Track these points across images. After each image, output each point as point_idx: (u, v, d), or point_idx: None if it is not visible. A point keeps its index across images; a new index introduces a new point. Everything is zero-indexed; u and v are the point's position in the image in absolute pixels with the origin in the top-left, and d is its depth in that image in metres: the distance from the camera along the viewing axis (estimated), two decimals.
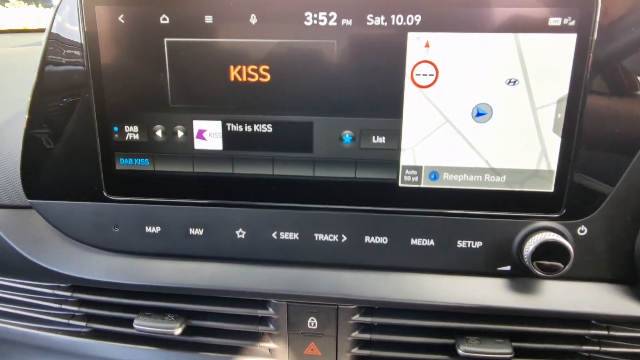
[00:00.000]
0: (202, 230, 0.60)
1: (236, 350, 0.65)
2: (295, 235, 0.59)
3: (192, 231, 0.60)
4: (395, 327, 0.61)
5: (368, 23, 0.51)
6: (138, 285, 0.62)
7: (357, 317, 0.60)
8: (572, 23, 0.49)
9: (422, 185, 0.56)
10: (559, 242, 0.53)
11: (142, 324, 0.63)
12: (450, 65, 0.51)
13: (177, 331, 0.62)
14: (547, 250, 0.53)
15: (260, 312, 0.62)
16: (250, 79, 0.53)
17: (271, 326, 0.63)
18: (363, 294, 0.58)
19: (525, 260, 0.54)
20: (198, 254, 0.61)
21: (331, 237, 0.58)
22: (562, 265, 0.53)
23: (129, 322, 0.64)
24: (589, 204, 0.54)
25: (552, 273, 0.54)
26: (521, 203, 0.55)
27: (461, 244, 0.57)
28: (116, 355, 0.68)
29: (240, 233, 0.59)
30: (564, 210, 0.54)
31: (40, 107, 0.57)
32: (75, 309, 0.68)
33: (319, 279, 0.59)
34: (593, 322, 0.58)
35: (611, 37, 0.49)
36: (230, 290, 0.60)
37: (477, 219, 0.56)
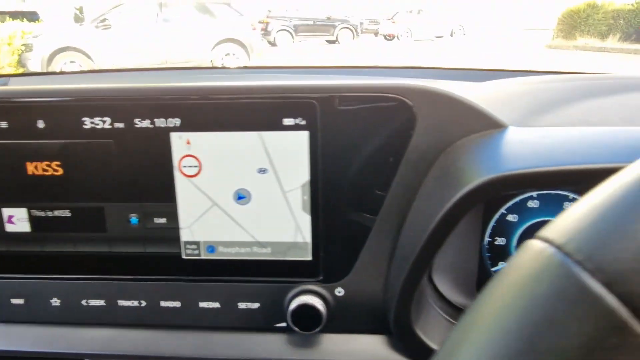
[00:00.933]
0: (23, 300, 0.68)
1: None
2: (102, 302, 0.67)
3: (14, 301, 0.68)
4: None
5: (136, 126, 0.60)
6: None
7: None
8: (303, 122, 0.58)
9: (202, 257, 0.64)
10: (310, 305, 0.62)
11: None
12: (210, 158, 0.60)
13: None
14: (304, 310, 0.62)
15: None
16: (45, 173, 0.62)
17: None
18: (160, 351, 0.67)
19: (288, 319, 0.63)
20: (22, 320, 0.69)
21: (132, 303, 0.67)
22: (316, 324, 0.62)
23: None
24: (342, 269, 0.63)
25: (308, 331, 0.62)
26: (288, 270, 0.64)
27: (242, 305, 0.66)
28: None
29: (55, 301, 0.68)
30: (321, 276, 0.64)
31: None
32: None
33: (124, 339, 0.68)
34: None
35: (332, 131, 0.58)
36: (49, 351, 0.68)
37: (252, 284, 0.65)
